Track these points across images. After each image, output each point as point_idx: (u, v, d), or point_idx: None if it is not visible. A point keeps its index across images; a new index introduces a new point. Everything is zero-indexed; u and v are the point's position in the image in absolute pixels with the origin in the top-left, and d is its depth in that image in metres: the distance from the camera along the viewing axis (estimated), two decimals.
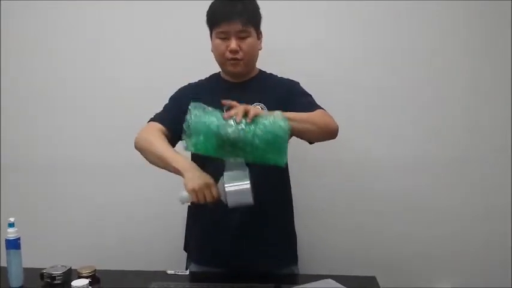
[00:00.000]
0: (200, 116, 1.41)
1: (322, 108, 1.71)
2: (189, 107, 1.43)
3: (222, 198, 1.50)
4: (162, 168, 1.64)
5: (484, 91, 2.29)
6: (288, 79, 1.85)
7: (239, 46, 1.69)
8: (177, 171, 1.55)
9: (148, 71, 2.34)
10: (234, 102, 1.49)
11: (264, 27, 1.80)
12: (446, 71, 2.29)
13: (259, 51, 1.80)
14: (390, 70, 2.30)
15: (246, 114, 1.41)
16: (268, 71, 1.89)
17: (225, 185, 1.46)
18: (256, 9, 1.76)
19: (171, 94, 1.86)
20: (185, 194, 1.51)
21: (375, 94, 2.31)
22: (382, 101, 2.32)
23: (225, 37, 1.69)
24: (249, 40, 1.71)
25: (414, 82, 2.30)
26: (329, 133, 1.66)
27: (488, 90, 2.29)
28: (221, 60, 1.75)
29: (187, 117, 1.41)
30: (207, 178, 1.51)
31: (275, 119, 1.40)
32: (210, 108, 1.45)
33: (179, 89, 1.86)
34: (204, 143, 1.40)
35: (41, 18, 2.39)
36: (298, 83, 1.84)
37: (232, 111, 1.42)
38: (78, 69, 2.40)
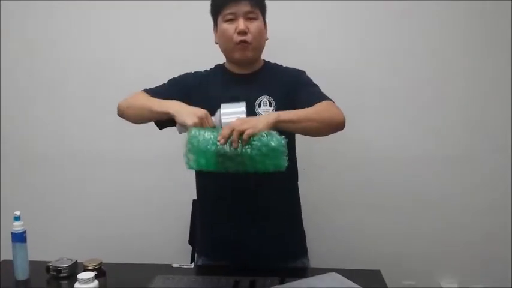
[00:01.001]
0: (199, 137, 1.41)
1: (328, 99, 1.66)
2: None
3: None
4: (149, 121, 1.62)
5: (484, 91, 2.32)
6: (294, 68, 1.81)
7: (247, 28, 1.65)
8: (165, 114, 1.53)
9: (151, 67, 2.35)
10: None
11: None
12: (446, 71, 2.32)
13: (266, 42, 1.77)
14: (391, 70, 2.33)
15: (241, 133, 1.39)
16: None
17: (222, 118, 1.47)
18: None
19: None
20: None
21: (376, 93, 2.34)
22: (383, 99, 2.34)
23: (233, 18, 1.66)
24: (257, 23, 1.68)
25: (415, 82, 2.33)
26: (334, 127, 1.59)
27: (488, 90, 2.32)
28: (229, 46, 1.70)
29: (187, 138, 1.42)
30: (199, 109, 1.49)
31: (270, 136, 1.39)
32: (207, 129, 1.45)
33: (184, 74, 1.82)
34: (206, 164, 1.42)
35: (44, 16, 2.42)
36: (304, 72, 1.81)
37: (226, 132, 1.38)
38: (80, 65, 2.43)
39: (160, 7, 2.34)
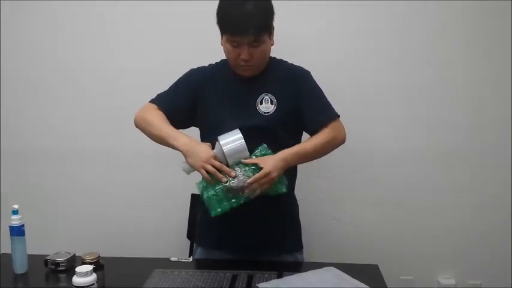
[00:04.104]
0: (209, 195, 1.60)
1: (335, 113, 1.74)
2: (198, 185, 1.63)
3: (222, 160, 1.61)
4: (162, 145, 1.70)
5: (485, 89, 2.32)
6: (299, 68, 1.80)
7: (251, 54, 1.64)
8: (176, 149, 1.65)
9: (150, 66, 2.35)
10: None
11: None
12: (446, 70, 2.32)
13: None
14: (392, 69, 2.33)
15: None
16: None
17: (223, 148, 1.59)
18: (270, 13, 1.68)
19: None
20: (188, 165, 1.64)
21: (377, 91, 2.35)
22: (384, 98, 2.35)
23: (237, 46, 1.63)
24: (262, 47, 1.65)
25: (415, 80, 2.33)
26: (334, 148, 1.77)
27: (488, 89, 2.32)
28: (232, 63, 1.71)
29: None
30: (206, 151, 1.61)
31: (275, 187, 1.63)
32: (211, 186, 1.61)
33: (188, 72, 1.82)
34: (221, 210, 1.60)
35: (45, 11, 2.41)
36: (309, 73, 1.80)
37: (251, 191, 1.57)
38: (80, 64, 2.42)
39: (159, 7, 2.33)
